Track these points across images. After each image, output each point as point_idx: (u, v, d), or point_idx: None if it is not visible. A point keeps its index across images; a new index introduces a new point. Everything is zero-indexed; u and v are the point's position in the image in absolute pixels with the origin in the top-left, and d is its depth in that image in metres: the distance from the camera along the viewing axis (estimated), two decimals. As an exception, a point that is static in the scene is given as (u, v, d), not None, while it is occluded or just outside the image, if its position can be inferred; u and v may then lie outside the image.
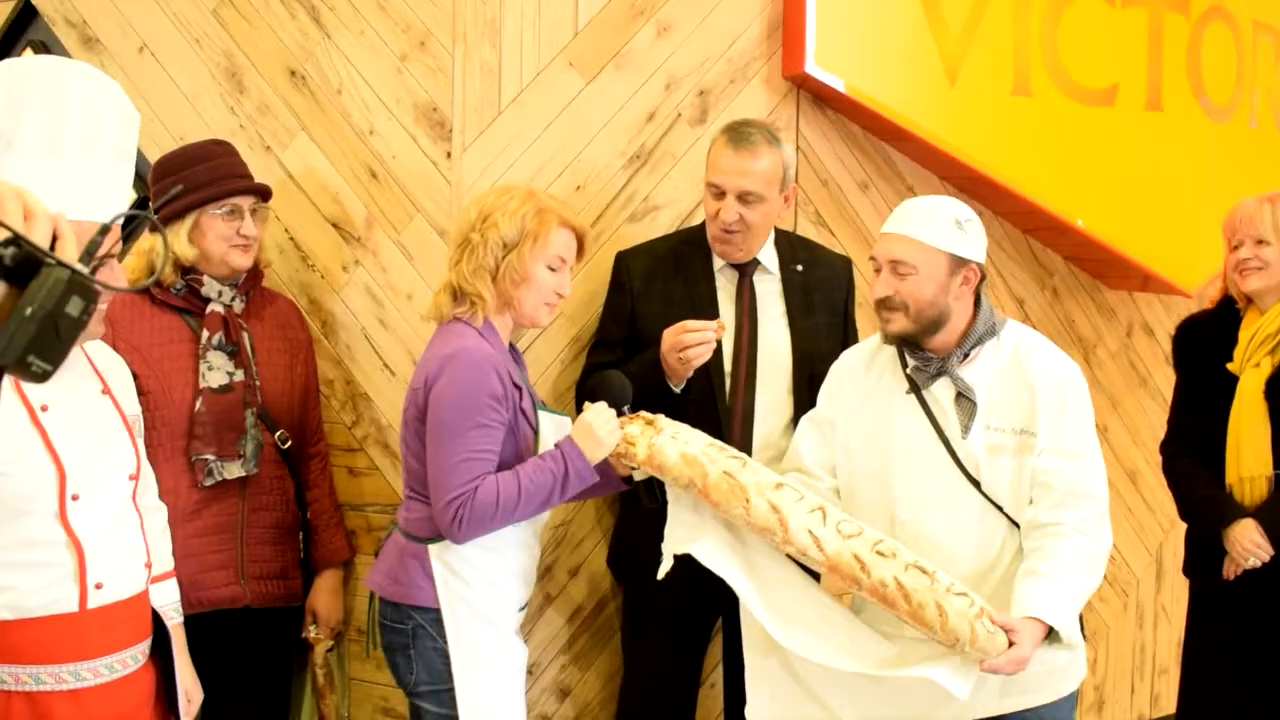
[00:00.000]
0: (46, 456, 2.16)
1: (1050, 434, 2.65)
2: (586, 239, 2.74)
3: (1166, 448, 3.51)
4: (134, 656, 2.29)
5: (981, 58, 3.88)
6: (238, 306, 3.04)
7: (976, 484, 2.66)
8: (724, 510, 2.55)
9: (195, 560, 2.87)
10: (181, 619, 2.55)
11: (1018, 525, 2.67)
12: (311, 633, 3.14)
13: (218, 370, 2.96)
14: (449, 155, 3.11)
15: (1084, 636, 2.75)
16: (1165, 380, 4.35)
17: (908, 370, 2.76)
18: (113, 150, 2.12)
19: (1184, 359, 3.46)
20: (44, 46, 3.77)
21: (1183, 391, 3.47)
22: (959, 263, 2.68)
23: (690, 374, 2.94)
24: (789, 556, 2.61)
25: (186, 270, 2.98)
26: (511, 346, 2.77)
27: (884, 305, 2.71)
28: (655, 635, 3.18)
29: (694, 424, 2.71)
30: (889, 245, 2.72)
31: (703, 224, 3.16)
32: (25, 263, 1.22)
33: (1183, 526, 3.52)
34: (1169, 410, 3.55)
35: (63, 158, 2.00)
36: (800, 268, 3.19)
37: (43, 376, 1.24)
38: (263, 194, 3.06)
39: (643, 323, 3.09)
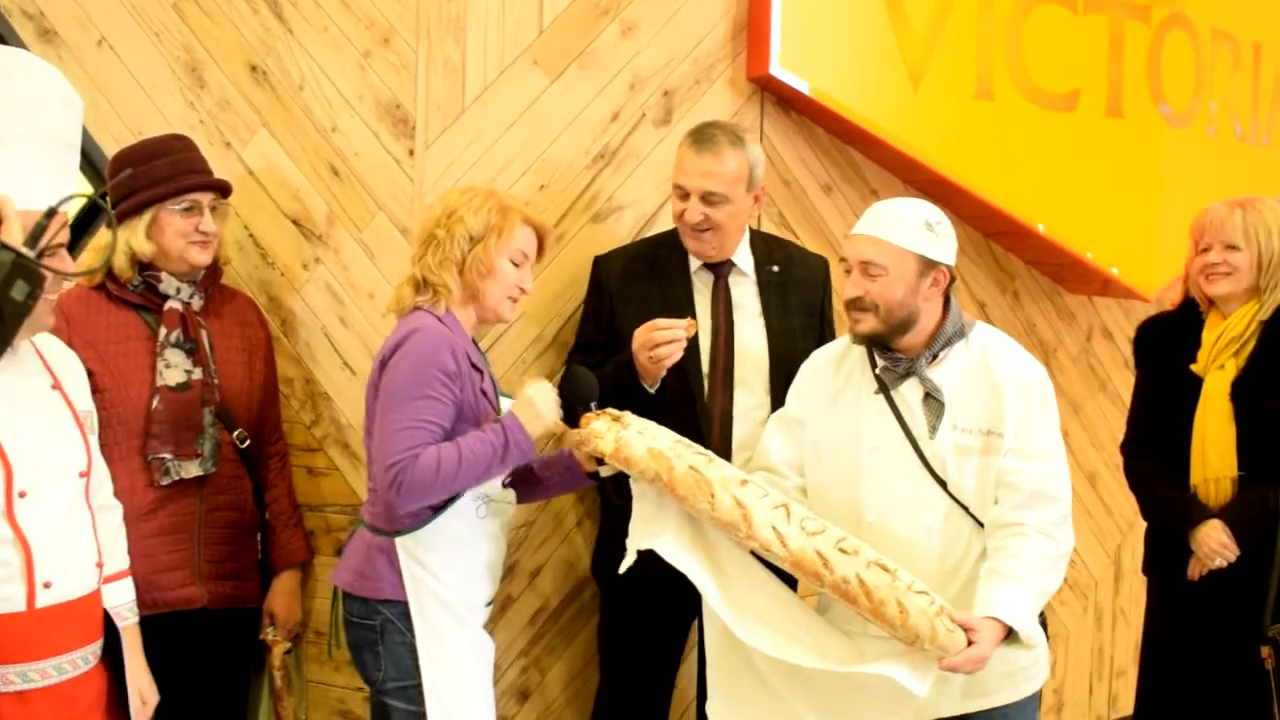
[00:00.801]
0: None
1: (1016, 435, 2.67)
2: (547, 238, 2.81)
3: (1127, 448, 3.52)
4: (84, 658, 2.26)
5: (945, 62, 3.90)
6: (196, 304, 3.00)
7: (943, 484, 2.68)
8: (689, 505, 2.57)
9: (151, 560, 2.83)
10: (137, 619, 2.52)
11: (983, 526, 2.68)
12: (269, 634, 3.11)
13: (175, 368, 2.92)
14: (411, 153, 3.09)
15: (1047, 637, 2.77)
16: (1125, 384, 4.38)
17: (877, 370, 2.78)
18: (58, 139, 2.13)
19: (1146, 359, 3.48)
20: (0, 40, 3.72)
21: (1144, 392, 3.49)
22: (928, 264, 2.70)
23: (663, 374, 2.94)
24: (753, 553, 2.62)
25: (144, 266, 2.94)
26: (474, 344, 2.76)
27: (854, 306, 2.73)
28: (633, 635, 3.18)
29: (672, 425, 2.71)
30: (859, 246, 2.73)
31: (676, 230, 3.16)
32: None
33: (1141, 528, 3.54)
34: (1129, 411, 3.56)
35: (7, 146, 2.01)
36: (776, 268, 3.20)
37: None
38: (222, 190, 3.03)
39: (621, 326, 3.09)
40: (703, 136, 3.07)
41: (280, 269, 3.27)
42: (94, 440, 2.36)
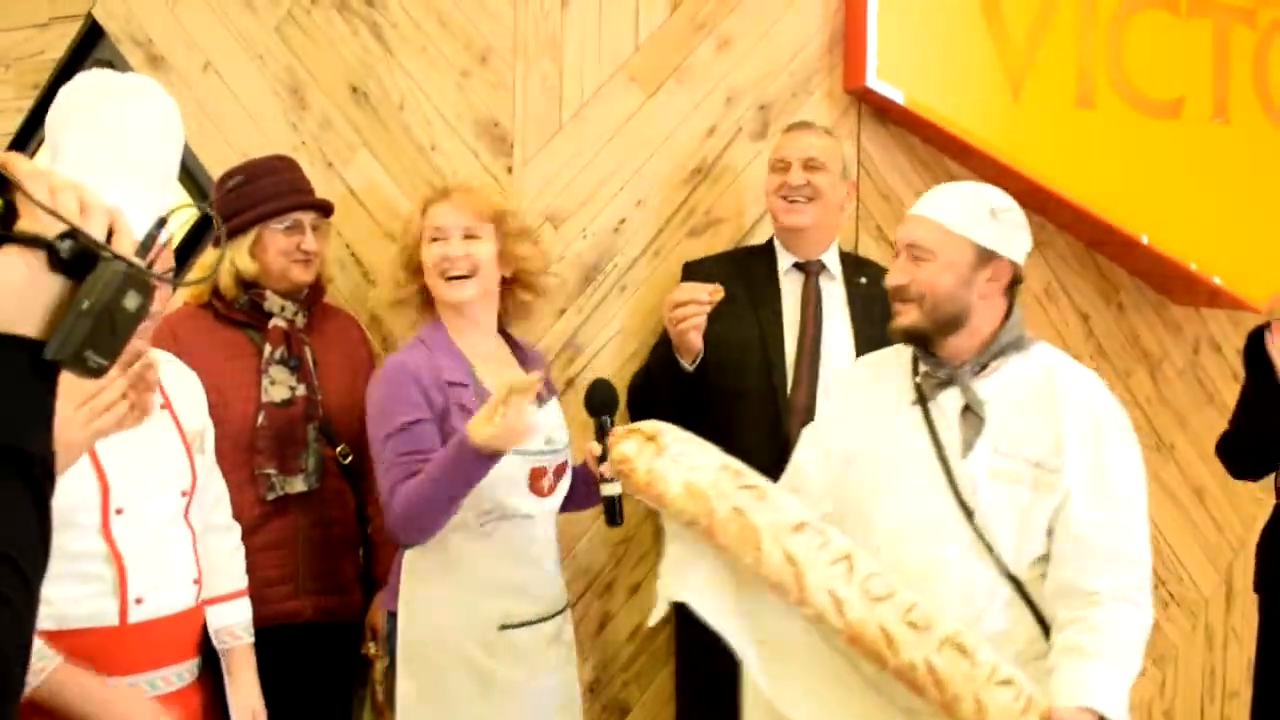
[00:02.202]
0: (90, 469, 2.16)
1: (1089, 478, 2.30)
2: (449, 195, 2.73)
3: (1222, 442, 3.45)
4: (178, 674, 2.27)
5: (1045, 70, 3.83)
6: (300, 321, 3.04)
7: (970, 514, 2.33)
8: (732, 556, 2.21)
9: (256, 575, 2.86)
10: (251, 639, 2.53)
11: (1011, 576, 2.33)
12: (371, 649, 3.13)
13: (279, 384, 2.96)
14: (510, 170, 3.11)
15: None
16: (1233, 397, 4.26)
17: (917, 378, 2.45)
18: (158, 171, 2.14)
19: (1255, 368, 3.40)
20: (110, 66, 3.81)
21: (1249, 399, 3.42)
22: (987, 255, 2.36)
23: (698, 349, 2.86)
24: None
25: (249, 285, 2.99)
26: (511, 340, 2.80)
27: (898, 295, 2.41)
28: (708, 663, 3.14)
29: (754, 417, 2.63)
30: (908, 226, 2.43)
31: (770, 239, 3.16)
32: (81, 256, 1.21)
33: (1252, 545, 3.44)
34: (1231, 415, 3.49)
35: (102, 175, 2.02)
36: (865, 280, 3.19)
37: (99, 372, 1.23)
38: (324, 209, 3.07)
39: (706, 328, 3.06)
40: (798, 123, 3.18)
41: (382, 286, 3.31)
42: (206, 460, 2.39)
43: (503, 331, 2.84)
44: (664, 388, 2.95)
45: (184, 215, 3.69)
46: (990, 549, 2.32)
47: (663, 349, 2.97)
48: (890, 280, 2.42)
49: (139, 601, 2.19)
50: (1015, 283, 2.43)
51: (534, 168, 3.11)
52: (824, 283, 3.18)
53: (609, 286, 3.25)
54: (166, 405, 2.33)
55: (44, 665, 2.05)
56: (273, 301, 3.01)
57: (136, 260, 1.26)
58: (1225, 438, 3.48)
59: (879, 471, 2.42)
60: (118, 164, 2.07)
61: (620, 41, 3.22)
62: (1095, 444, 2.32)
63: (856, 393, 2.57)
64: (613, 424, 2.57)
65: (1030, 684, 2.16)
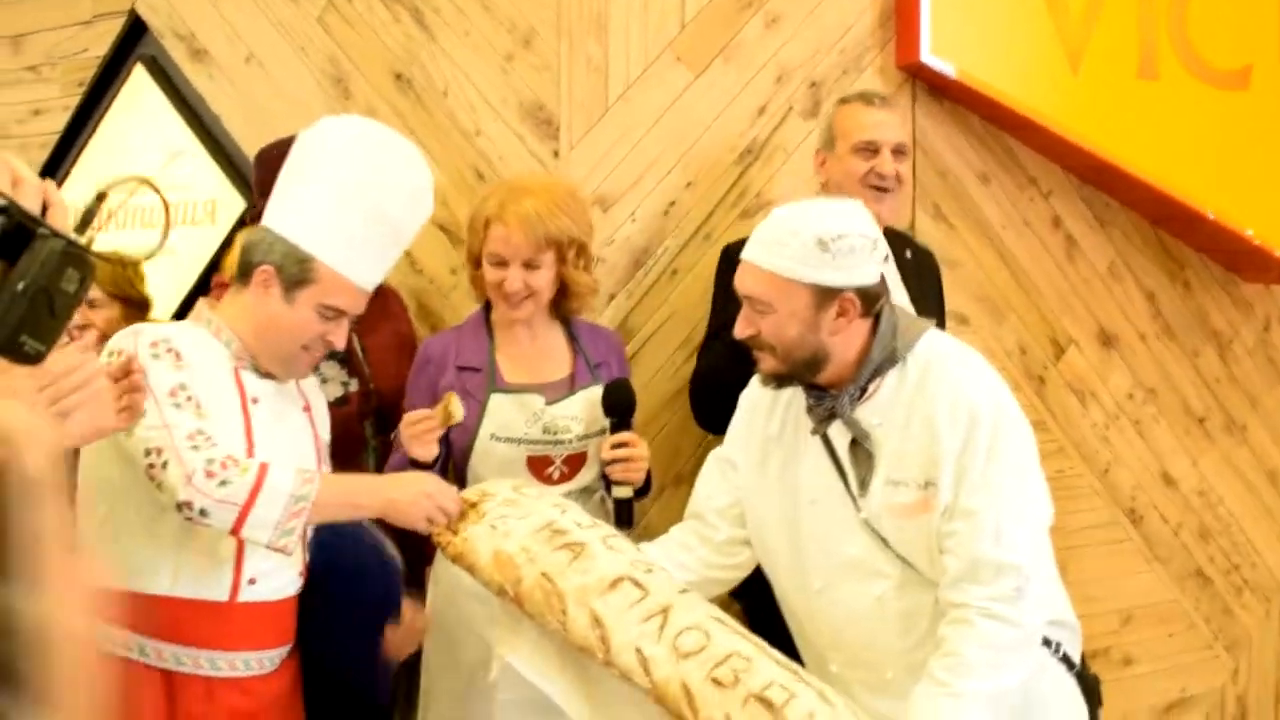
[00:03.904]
0: (243, 445, 2.24)
1: (954, 487, 2.15)
2: (500, 220, 2.67)
3: None
4: (271, 659, 2.36)
5: (1105, 41, 3.72)
6: None
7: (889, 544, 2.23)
8: (540, 624, 2.16)
9: None
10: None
11: None
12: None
13: (332, 381, 2.90)
14: (556, 154, 3.05)
15: (1098, 699, 2.43)
16: (1307, 376, 4.15)
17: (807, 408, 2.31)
18: (392, 226, 2.39)
19: None
20: (154, 61, 3.80)
21: None
22: (826, 294, 2.18)
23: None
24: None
25: None
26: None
27: (751, 344, 2.27)
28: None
29: None
30: (741, 276, 2.25)
31: None
32: (16, 233, 1.13)
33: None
34: None
35: (346, 213, 2.30)
36: (909, 253, 3.10)
37: (36, 358, 1.15)
38: None
39: None
40: (870, 95, 3.04)
41: (429, 276, 3.26)
42: (326, 469, 2.47)
43: (565, 318, 2.81)
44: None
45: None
46: (920, 575, 2.21)
47: (718, 345, 2.86)
48: (738, 332, 2.27)
49: (251, 582, 2.29)
50: (874, 301, 2.24)
51: (581, 151, 3.05)
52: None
53: (659, 271, 3.19)
54: (308, 409, 2.45)
55: (310, 488, 2.19)
56: None
57: (75, 237, 1.18)
58: None
59: (798, 511, 2.31)
60: (367, 211, 2.31)
61: (666, 21, 3.15)
62: (963, 446, 2.15)
63: (757, 421, 2.42)
64: (627, 426, 2.58)
65: None
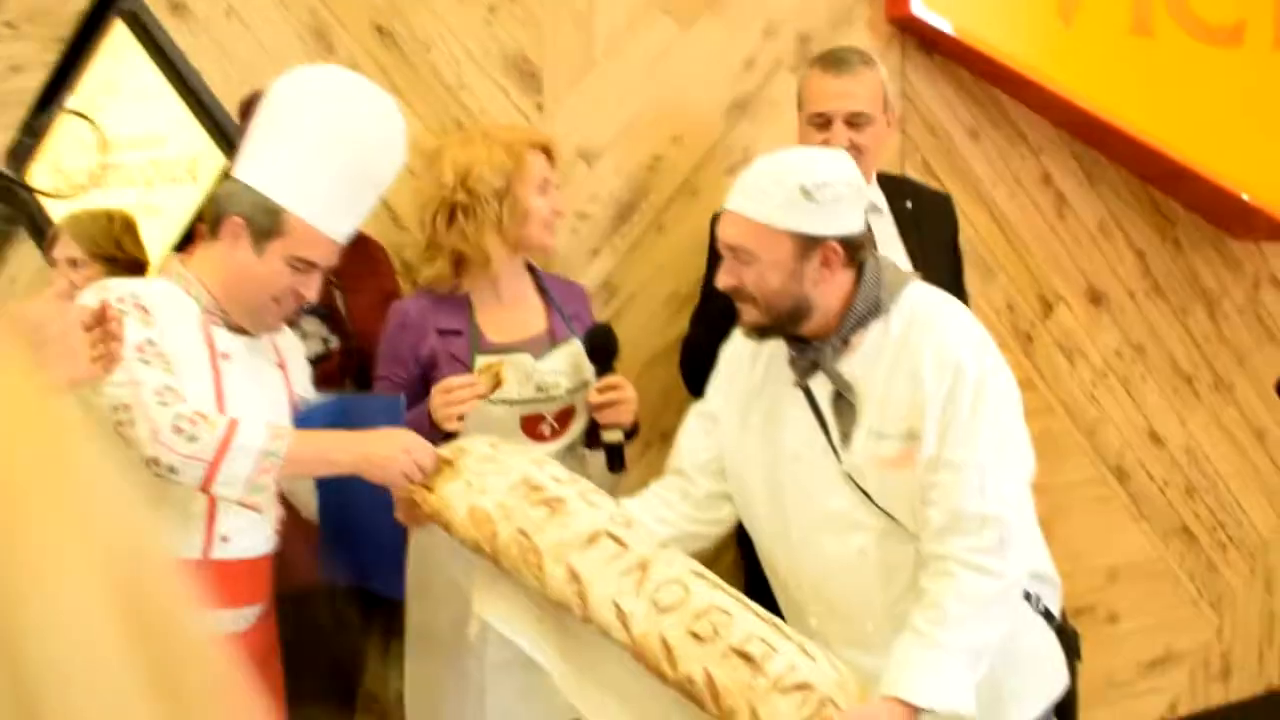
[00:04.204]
0: (213, 401, 2.21)
1: (936, 438, 2.12)
2: (552, 147, 2.69)
3: None
4: (245, 617, 2.34)
5: (1098, -5, 3.69)
6: None
7: (871, 498, 2.21)
8: (517, 580, 2.13)
9: (289, 542, 2.80)
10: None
11: None
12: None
13: (312, 338, 2.86)
14: (540, 108, 3.02)
15: (1071, 649, 2.40)
16: (1296, 334, 4.14)
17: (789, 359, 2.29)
18: (365, 177, 2.35)
19: None
20: (134, 16, 3.73)
21: None
22: (810, 242, 2.15)
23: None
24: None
25: None
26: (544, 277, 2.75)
27: (734, 296, 2.24)
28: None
29: None
30: (724, 226, 2.22)
31: None
32: None
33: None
34: None
35: (319, 164, 2.26)
36: (909, 204, 3.04)
37: None
38: None
39: None
40: (834, 59, 2.89)
41: (411, 231, 3.22)
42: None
43: (533, 270, 2.77)
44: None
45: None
46: (902, 528, 2.19)
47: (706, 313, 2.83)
48: (720, 283, 2.25)
49: (224, 539, 2.26)
50: (858, 250, 2.22)
51: (565, 105, 3.02)
52: (874, 220, 2.97)
53: (645, 226, 3.16)
54: (281, 366, 2.42)
55: (280, 443, 2.15)
56: None
57: (4, 170, 1.15)
58: None
59: (779, 464, 2.28)
60: (339, 159, 2.27)
61: (653, -28, 3.12)
62: (946, 397, 2.13)
63: (739, 373, 2.39)
64: (611, 370, 2.55)
65: (836, 687, 1.98)
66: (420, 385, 2.59)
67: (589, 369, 2.65)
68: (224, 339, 2.30)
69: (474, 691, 2.54)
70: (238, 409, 2.25)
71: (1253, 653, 4.47)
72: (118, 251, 3.06)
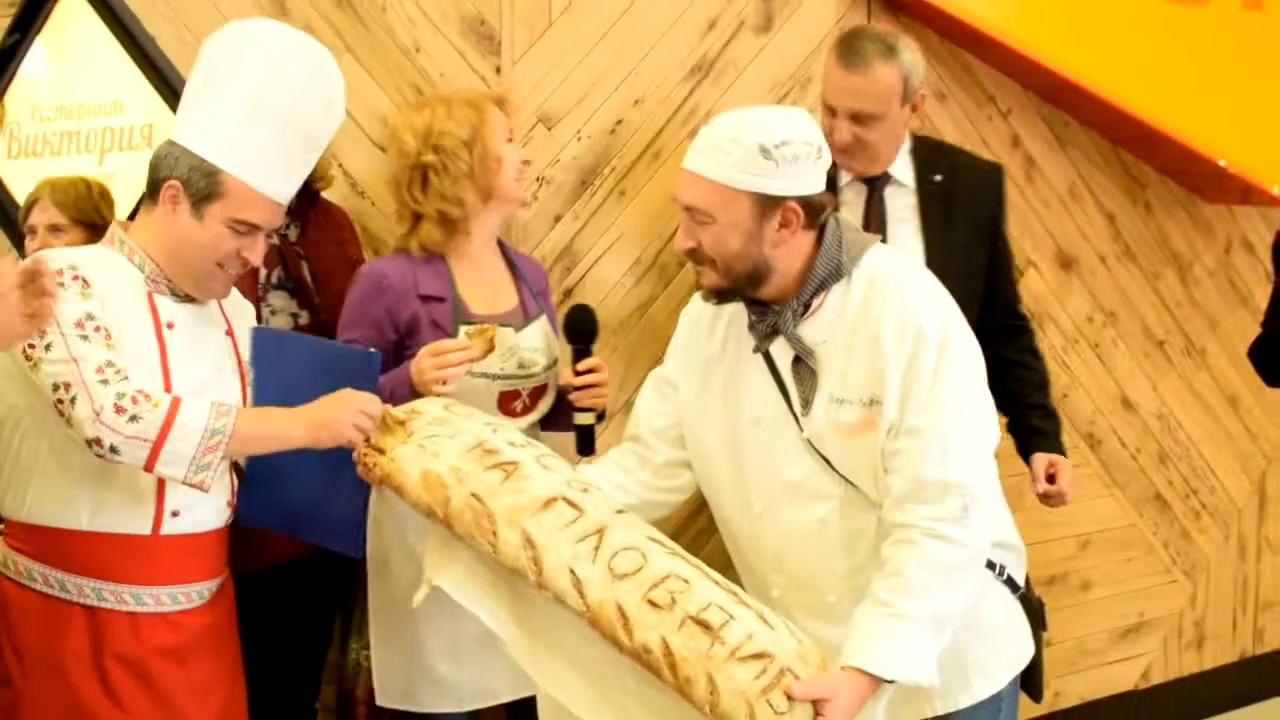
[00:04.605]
0: (159, 372, 2.18)
1: (897, 405, 2.10)
2: (508, 100, 2.72)
3: (1257, 349, 3.29)
4: (200, 592, 2.30)
5: (1066, -46, 3.64)
6: (293, 234, 2.85)
7: (832, 465, 2.18)
8: (470, 546, 2.09)
9: None
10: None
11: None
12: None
13: (281, 313, 2.82)
14: (498, 70, 2.96)
15: (1036, 617, 2.39)
16: (1267, 298, 4.11)
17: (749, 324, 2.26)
18: (306, 136, 2.30)
19: None
20: (87, -21, 3.67)
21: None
22: (768, 203, 2.11)
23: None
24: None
25: None
26: (507, 253, 2.73)
27: (691, 258, 2.21)
28: None
29: None
30: (681, 186, 2.18)
31: None
32: None
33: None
34: (1263, 318, 3.32)
35: (255, 122, 2.20)
36: (940, 178, 2.93)
37: None
38: None
39: None
40: (850, 50, 2.80)
41: (370, 198, 3.17)
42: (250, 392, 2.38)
43: (502, 246, 2.75)
44: None
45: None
46: (864, 496, 2.17)
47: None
48: (678, 244, 2.21)
49: (175, 514, 2.22)
50: (819, 212, 2.18)
51: (524, 67, 2.96)
52: (891, 194, 2.93)
53: (606, 191, 3.11)
54: (230, 334, 2.37)
55: (226, 421, 2.12)
56: None
57: None
58: (1257, 342, 3.32)
59: (739, 431, 2.25)
60: (278, 118, 2.21)
61: (613, -69, 3.06)
62: (907, 362, 2.10)
63: (699, 338, 2.35)
64: (589, 353, 2.52)
65: (796, 657, 1.96)
66: (394, 351, 2.55)
67: (558, 348, 2.63)
68: (168, 308, 2.25)
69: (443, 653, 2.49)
70: (183, 379, 2.21)
71: (1226, 621, 4.46)
72: (97, 217, 3.01)
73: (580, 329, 2.56)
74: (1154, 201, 4.09)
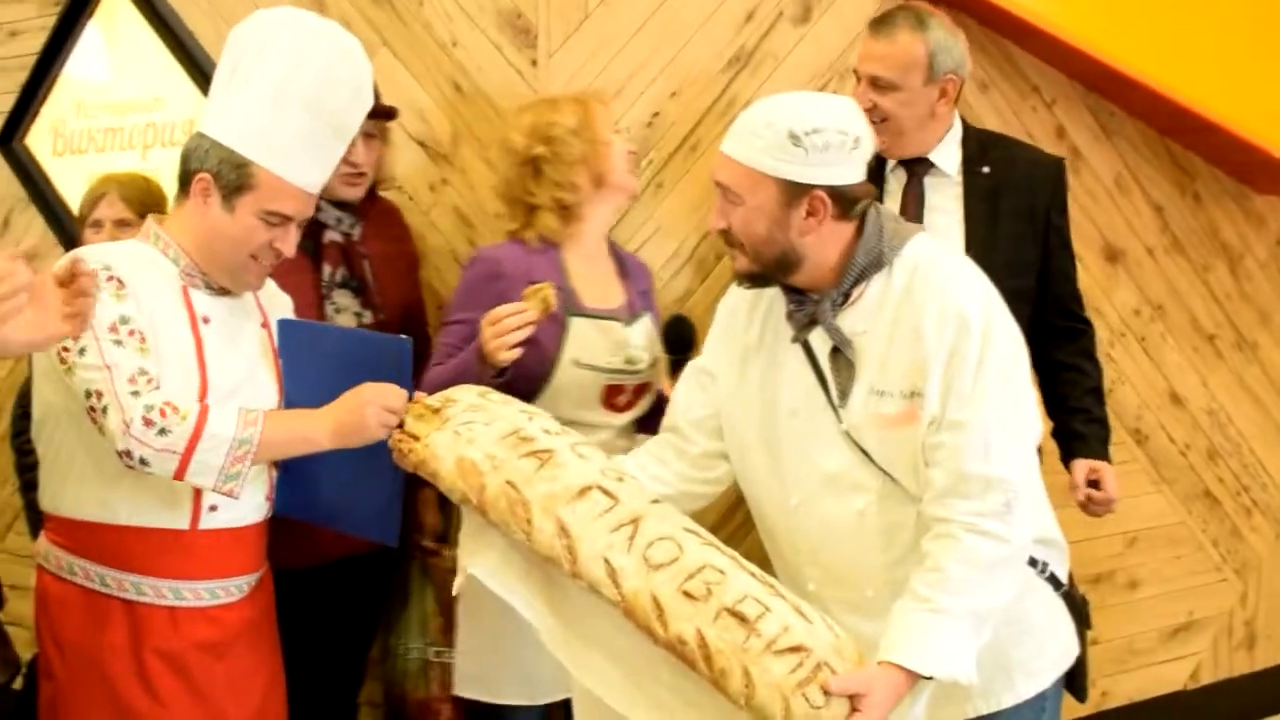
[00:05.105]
0: (195, 368, 2.19)
1: (939, 397, 2.06)
2: (606, 102, 2.79)
3: None
4: (239, 586, 2.31)
5: (1111, -61, 3.58)
6: (355, 234, 2.84)
7: (871, 458, 2.15)
8: (505, 533, 2.08)
9: None
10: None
11: None
12: (431, 544, 2.98)
13: (345, 312, 2.80)
14: (535, 63, 2.96)
15: (1081, 616, 2.34)
16: (1321, 291, 4.04)
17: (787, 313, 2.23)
18: (334, 124, 2.28)
19: None
20: (126, -26, 3.70)
21: None
22: (796, 191, 2.09)
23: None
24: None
25: None
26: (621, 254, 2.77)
27: (724, 240, 2.20)
28: None
29: None
30: (716, 166, 2.18)
31: None
32: None
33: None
34: None
35: (282, 112, 2.19)
36: (988, 169, 2.87)
37: None
38: (383, 115, 2.83)
39: None
40: (882, 19, 2.80)
41: (409, 193, 3.18)
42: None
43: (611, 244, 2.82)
44: None
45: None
46: (903, 489, 2.13)
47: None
48: (710, 223, 2.20)
49: (213, 509, 2.23)
50: (852, 203, 2.14)
51: (560, 60, 2.96)
52: (932, 181, 2.87)
53: (644, 183, 3.10)
54: (265, 326, 2.37)
55: (253, 430, 2.14)
56: (328, 212, 2.77)
57: None
58: None
59: (777, 423, 2.22)
60: (305, 106, 2.21)
61: (649, -79, 3.04)
62: (949, 354, 2.07)
63: (736, 327, 2.33)
64: (686, 361, 2.48)
65: (832, 651, 1.93)
66: None
67: (658, 348, 2.68)
68: (203, 302, 2.26)
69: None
70: (219, 374, 2.22)
71: (1277, 620, 4.38)
72: (160, 211, 3.03)
73: (680, 338, 2.59)
74: (1203, 192, 4.01)
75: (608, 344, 2.60)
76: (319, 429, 2.20)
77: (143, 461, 2.08)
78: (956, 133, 2.89)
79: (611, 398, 2.64)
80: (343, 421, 2.19)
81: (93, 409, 2.09)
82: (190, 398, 2.17)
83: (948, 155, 2.87)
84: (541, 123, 2.63)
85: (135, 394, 2.07)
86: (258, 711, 2.33)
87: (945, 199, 2.86)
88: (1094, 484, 2.83)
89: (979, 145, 2.92)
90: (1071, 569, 2.38)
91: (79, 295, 1.92)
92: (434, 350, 2.61)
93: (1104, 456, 2.88)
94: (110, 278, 2.13)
